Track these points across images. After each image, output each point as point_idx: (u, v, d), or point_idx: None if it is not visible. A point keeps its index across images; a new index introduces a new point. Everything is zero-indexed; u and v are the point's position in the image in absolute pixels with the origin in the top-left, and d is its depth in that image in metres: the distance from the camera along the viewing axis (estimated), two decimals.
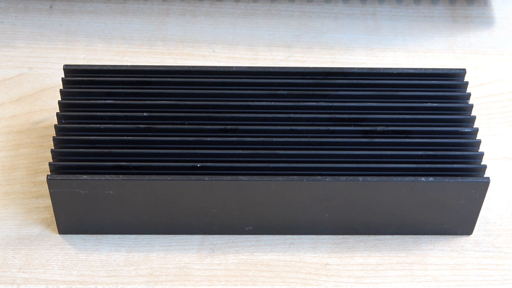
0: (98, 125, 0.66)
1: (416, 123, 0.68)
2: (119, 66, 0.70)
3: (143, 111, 0.68)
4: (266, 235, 0.68)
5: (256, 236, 0.68)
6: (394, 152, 0.66)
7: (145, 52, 0.82)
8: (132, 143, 0.66)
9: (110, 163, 0.64)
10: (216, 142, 0.66)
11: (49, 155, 0.72)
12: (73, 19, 0.85)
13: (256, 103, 0.68)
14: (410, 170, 0.65)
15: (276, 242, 0.68)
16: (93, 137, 0.66)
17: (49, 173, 0.65)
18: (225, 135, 0.67)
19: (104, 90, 0.69)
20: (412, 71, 0.70)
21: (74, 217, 0.67)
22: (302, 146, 0.66)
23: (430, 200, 0.66)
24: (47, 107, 0.77)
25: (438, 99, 0.69)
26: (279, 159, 0.66)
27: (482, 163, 0.66)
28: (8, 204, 0.70)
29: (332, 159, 0.66)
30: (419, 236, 0.69)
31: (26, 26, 0.84)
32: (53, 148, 0.66)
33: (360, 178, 0.64)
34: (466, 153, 0.66)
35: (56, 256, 0.67)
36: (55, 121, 0.70)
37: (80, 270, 0.66)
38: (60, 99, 0.68)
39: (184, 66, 0.70)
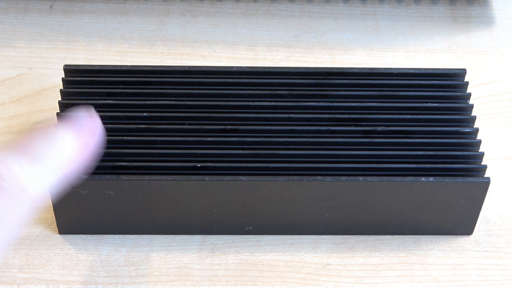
0: None
1: (416, 123, 0.68)
2: (119, 66, 0.70)
3: (143, 111, 0.67)
4: (266, 235, 0.68)
5: (256, 236, 0.68)
6: (394, 152, 0.66)
7: (145, 52, 0.82)
8: (132, 143, 0.66)
9: (110, 163, 0.64)
10: (216, 142, 0.66)
11: None
12: (73, 19, 0.85)
13: (256, 103, 0.68)
14: (410, 170, 0.65)
15: (277, 242, 0.68)
16: None
17: None
18: (225, 135, 0.67)
19: (104, 90, 0.69)
20: (412, 71, 0.70)
21: (74, 217, 0.67)
22: (302, 146, 0.66)
23: (430, 200, 0.66)
24: (47, 107, 0.77)
25: (438, 99, 0.69)
26: (279, 159, 0.66)
27: (482, 163, 0.66)
28: None
29: (332, 159, 0.66)
30: (419, 236, 0.69)
31: (26, 26, 0.84)
32: None
33: (361, 178, 0.64)
34: (466, 153, 0.66)
35: (56, 256, 0.67)
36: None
37: (80, 270, 0.66)
38: (60, 99, 0.68)
39: (184, 66, 0.70)
